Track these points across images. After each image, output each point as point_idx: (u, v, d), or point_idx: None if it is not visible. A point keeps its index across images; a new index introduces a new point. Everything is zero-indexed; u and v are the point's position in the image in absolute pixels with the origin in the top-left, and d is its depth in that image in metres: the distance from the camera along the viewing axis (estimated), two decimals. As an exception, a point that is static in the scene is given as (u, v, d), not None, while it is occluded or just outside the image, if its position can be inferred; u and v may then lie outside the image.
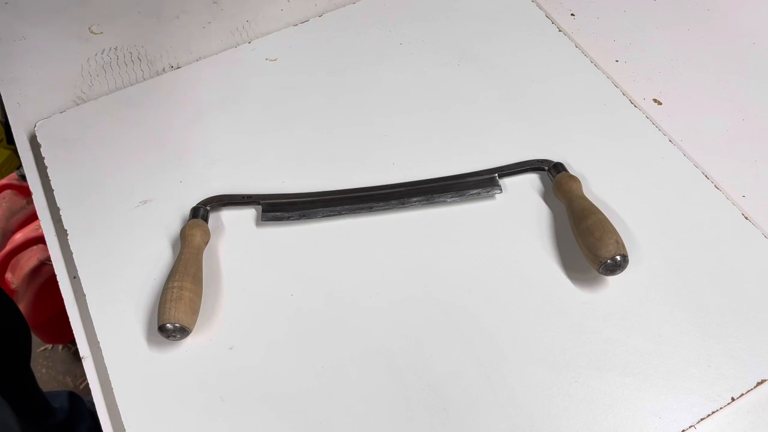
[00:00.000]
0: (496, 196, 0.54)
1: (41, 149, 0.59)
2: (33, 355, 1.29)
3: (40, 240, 1.18)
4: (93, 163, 0.58)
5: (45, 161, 0.58)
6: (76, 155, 0.58)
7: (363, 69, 0.63)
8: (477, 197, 0.54)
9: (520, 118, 0.58)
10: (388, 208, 0.53)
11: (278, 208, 0.54)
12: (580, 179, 0.52)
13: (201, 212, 0.53)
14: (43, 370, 1.30)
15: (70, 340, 1.30)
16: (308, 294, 0.50)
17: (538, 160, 0.55)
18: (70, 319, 0.51)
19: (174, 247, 0.52)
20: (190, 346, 0.48)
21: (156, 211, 0.54)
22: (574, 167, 0.55)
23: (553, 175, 0.53)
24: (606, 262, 0.46)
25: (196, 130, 0.59)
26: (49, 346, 1.32)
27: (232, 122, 0.60)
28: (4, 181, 1.24)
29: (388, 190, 0.54)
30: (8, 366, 0.85)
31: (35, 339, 1.27)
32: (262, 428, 0.44)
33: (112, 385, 0.46)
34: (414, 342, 0.47)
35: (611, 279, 0.49)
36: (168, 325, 0.45)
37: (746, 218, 0.52)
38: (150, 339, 0.48)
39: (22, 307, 1.14)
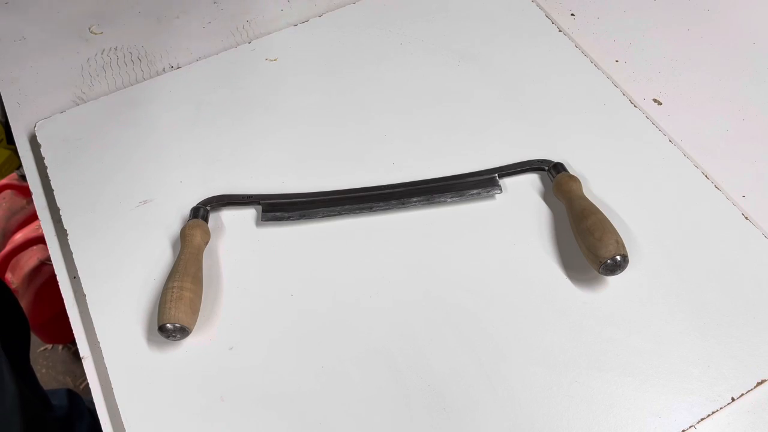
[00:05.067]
0: (496, 196, 0.54)
1: (41, 149, 0.59)
2: (33, 355, 1.30)
3: (40, 240, 1.18)
4: (93, 163, 0.58)
5: (45, 161, 0.58)
6: (76, 155, 0.58)
7: (363, 69, 0.63)
8: (477, 197, 0.54)
9: (520, 118, 0.58)
10: (388, 208, 0.53)
11: (278, 208, 0.54)
12: (580, 179, 0.52)
13: (201, 212, 0.53)
14: (43, 370, 1.30)
15: (70, 340, 1.30)
16: (308, 294, 0.50)
17: (538, 160, 0.55)
18: (70, 319, 0.51)
19: (174, 247, 0.52)
20: (190, 346, 0.48)
21: (156, 211, 0.54)
22: (574, 167, 0.55)
23: (553, 175, 0.53)
24: (606, 262, 0.46)
25: (196, 130, 0.59)
26: (49, 346, 1.32)
27: (232, 122, 0.60)
28: (4, 181, 1.24)
29: (388, 190, 0.54)
30: (8, 356, 0.85)
31: (35, 339, 1.27)
32: (261, 428, 0.44)
33: (112, 385, 0.46)
34: (414, 342, 0.47)
35: (611, 279, 0.49)
36: (168, 325, 0.45)
37: (746, 218, 0.52)
38: (150, 339, 0.48)
39: (22, 307, 1.14)
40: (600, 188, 0.54)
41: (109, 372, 0.47)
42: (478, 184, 0.54)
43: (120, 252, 0.52)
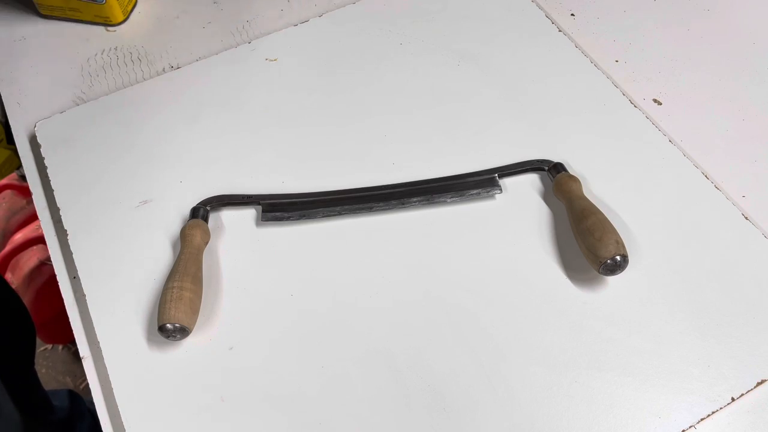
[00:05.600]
0: (496, 196, 0.54)
1: (41, 149, 0.59)
2: (33, 354, 1.30)
3: (40, 240, 1.18)
4: (93, 163, 0.58)
5: (45, 161, 0.58)
6: (76, 155, 0.58)
7: (363, 69, 0.63)
8: (477, 197, 0.54)
9: (519, 118, 0.58)
10: (388, 208, 0.53)
11: (278, 208, 0.54)
12: (580, 179, 0.52)
13: (201, 212, 0.53)
14: (43, 370, 1.30)
15: (70, 340, 1.30)
16: (308, 294, 0.50)
17: (538, 160, 0.55)
18: (70, 319, 0.51)
19: (174, 247, 0.52)
20: (190, 346, 0.48)
21: (156, 211, 0.54)
22: (574, 167, 0.55)
23: (553, 175, 0.53)
24: (606, 262, 0.46)
25: (196, 130, 0.59)
26: (49, 346, 1.32)
27: (232, 122, 0.60)
28: (4, 181, 1.24)
29: (388, 190, 0.54)
30: (13, 361, 0.85)
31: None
32: (261, 428, 0.44)
33: (112, 385, 0.46)
34: (414, 342, 0.47)
35: (611, 279, 0.49)
36: (168, 325, 0.45)
37: (746, 218, 0.52)
38: (150, 339, 0.48)
39: (22, 307, 1.14)
40: (600, 188, 0.54)
41: (109, 372, 0.47)
42: (478, 184, 0.54)
43: (120, 252, 0.52)
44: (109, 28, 0.68)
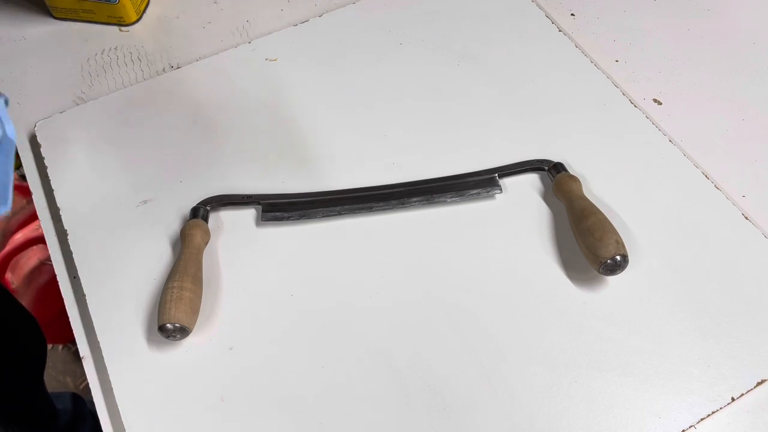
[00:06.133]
0: (496, 196, 0.54)
1: (41, 149, 0.59)
2: (33, 355, 1.29)
3: (40, 240, 1.18)
4: (93, 163, 0.58)
5: (45, 161, 0.58)
6: (76, 155, 0.58)
7: (363, 69, 0.63)
8: (477, 197, 0.54)
9: (520, 118, 0.58)
10: (388, 208, 0.53)
11: (278, 208, 0.54)
12: (580, 179, 0.52)
13: (201, 212, 0.53)
14: (44, 370, 1.30)
15: (70, 340, 1.30)
16: (308, 294, 0.50)
17: (538, 160, 0.55)
18: (70, 319, 0.51)
19: (174, 247, 0.52)
20: (190, 346, 0.48)
21: (156, 211, 0.54)
22: (574, 167, 0.55)
23: (553, 175, 0.53)
24: (606, 262, 0.46)
25: (196, 130, 0.59)
26: (49, 346, 1.32)
27: (232, 122, 0.60)
28: (5, 181, 1.24)
29: (388, 190, 0.54)
30: (22, 375, 0.85)
31: (35, 339, 1.27)
32: (262, 428, 0.44)
33: (112, 385, 0.46)
34: (414, 342, 0.47)
35: (611, 279, 0.49)
36: (168, 325, 0.45)
37: (746, 218, 0.52)
38: (150, 339, 0.48)
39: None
40: (600, 188, 0.54)
41: (109, 372, 0.47)
42: (478, 184, 0.54)
43: (120, 252, 0.52)
44: (123, 28, 0.68)
